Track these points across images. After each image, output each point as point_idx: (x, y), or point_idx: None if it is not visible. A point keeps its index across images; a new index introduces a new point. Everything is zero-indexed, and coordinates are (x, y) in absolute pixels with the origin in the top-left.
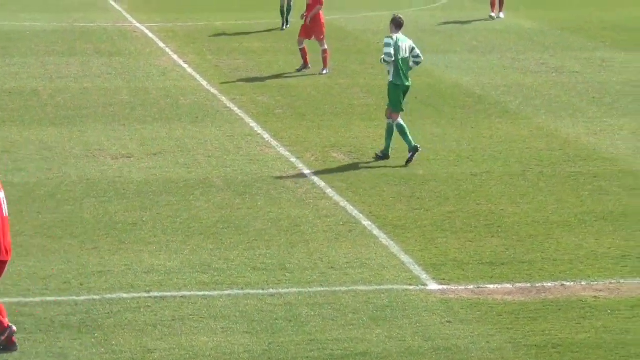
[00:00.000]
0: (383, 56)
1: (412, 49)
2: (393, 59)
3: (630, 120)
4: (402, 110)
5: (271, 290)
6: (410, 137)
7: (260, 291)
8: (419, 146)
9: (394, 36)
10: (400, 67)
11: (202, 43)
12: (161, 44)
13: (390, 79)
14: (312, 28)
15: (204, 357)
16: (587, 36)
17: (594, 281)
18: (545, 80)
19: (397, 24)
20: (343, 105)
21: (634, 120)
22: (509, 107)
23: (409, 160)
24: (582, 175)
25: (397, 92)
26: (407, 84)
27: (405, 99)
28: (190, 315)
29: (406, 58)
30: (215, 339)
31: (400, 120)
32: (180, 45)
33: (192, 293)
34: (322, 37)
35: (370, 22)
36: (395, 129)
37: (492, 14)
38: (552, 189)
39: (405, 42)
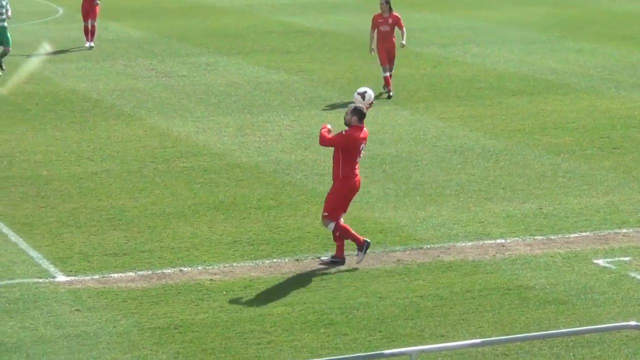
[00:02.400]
0: None
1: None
2: None
3: (235, 118)
4: None
5: None
6: None
7: None
8: None
9: None
10: None
11: None
12: None
13: None
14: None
15: None
16: (192, 43)
17: (209, 265)
18: (156, 84)
19: None
20: None
21: (238, 118)
22: (123, 109)
23: None
24: (193, 170)
25: None
26: None
27: None
28: None
29: None
30: None
31: None
32: None
33: None
34: None
35: None
36: None
37: (87, 44)
38: (167, 183)
39: None
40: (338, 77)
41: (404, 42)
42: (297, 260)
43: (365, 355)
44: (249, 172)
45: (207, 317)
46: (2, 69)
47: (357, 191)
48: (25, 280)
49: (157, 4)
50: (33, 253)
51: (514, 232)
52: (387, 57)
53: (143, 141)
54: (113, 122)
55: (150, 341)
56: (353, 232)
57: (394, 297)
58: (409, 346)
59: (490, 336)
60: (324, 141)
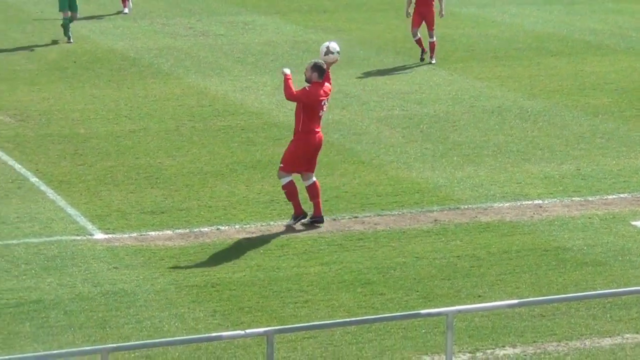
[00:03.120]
0: None
1: None
2: None
3: (272, 77)
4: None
5: None
6: None
7: None
8: None
9: None
10: None
11: None
12: None
13: None
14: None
15: None
16: (230, 2)
17: (246, 224)
18: (194, 43)
19: None
20: (6, 71)
21: (275, 77)
22: (161, 68)
23: None
24: (231, 129)
25: None
26: None
27: None
28: None
29: None
30: None
31: None
32: None
33: None
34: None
35: None
36: None
37: (125, 10)
38: (205, 141)
39: None
40: (375, 36)
41: (443, 12)
42: (334, 219)
43: (401, 315)
44: (286, 131)
45: (244, 275)
46: (70, 41)
47: (319, 148)
48: (64, 238)
49: None
50: (71, 210)
51: (552, 193)
52: (421, 21)
53: (180, 100)
54: (151, 80)
55: (188, 299)
56: (298, 198)
57: (431, 257)
58: (446, 306)
59: (527, 297)
60: (289, 95)
